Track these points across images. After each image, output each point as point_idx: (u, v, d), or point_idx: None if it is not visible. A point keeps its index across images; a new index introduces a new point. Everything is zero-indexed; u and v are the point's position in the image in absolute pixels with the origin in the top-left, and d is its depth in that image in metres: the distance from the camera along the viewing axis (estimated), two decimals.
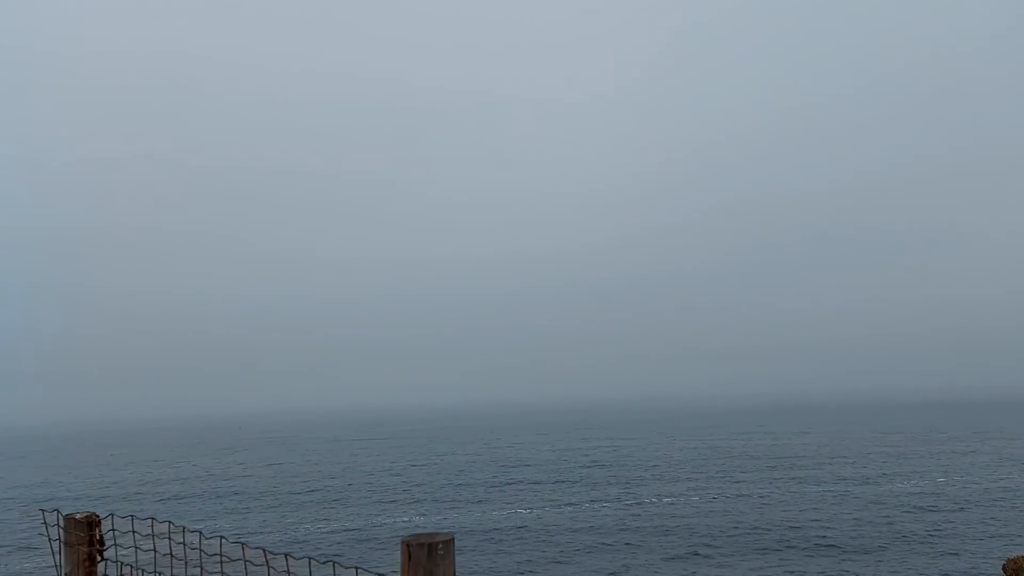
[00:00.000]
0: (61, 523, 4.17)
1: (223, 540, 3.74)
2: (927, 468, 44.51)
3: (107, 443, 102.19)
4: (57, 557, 4.19)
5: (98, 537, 4.13)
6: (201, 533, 3.92)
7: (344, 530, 29.10)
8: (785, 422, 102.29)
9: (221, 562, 3.78)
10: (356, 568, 3.03)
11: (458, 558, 2.80)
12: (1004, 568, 11.14)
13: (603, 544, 25.45)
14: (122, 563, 4.18)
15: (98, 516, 4.15)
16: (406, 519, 31.05)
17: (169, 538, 4.07)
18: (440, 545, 2.76)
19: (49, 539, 4.26)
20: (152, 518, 4.28)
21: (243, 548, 3.58)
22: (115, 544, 4.17)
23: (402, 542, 2.77)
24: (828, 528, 27.06)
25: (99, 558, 4.14)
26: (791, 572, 21.47)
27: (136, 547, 4.19)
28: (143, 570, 4.23)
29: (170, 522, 4.17)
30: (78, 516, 4.15)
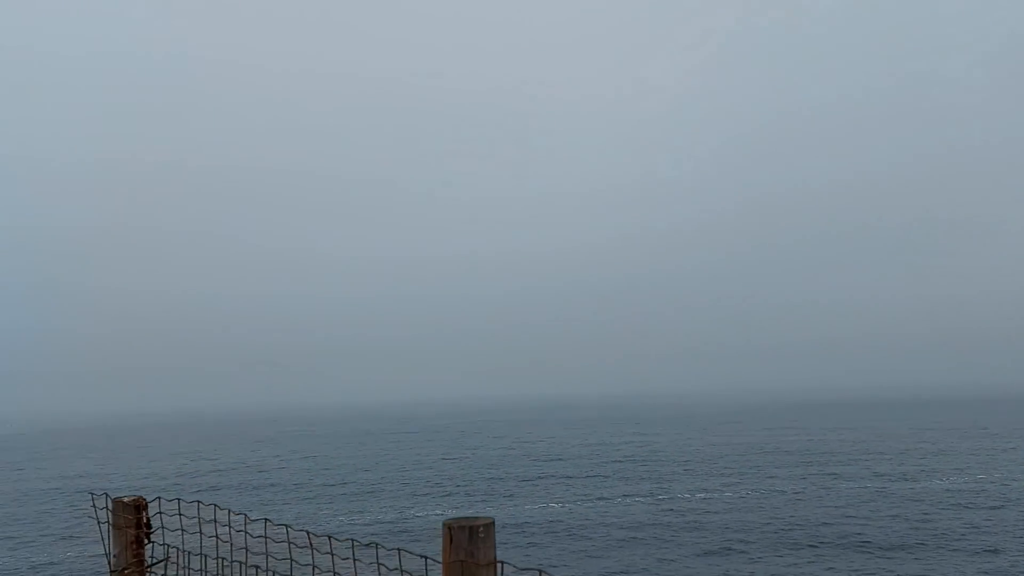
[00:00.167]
0: (110, 506, 4.28)
1: (267, 522, 3.81)
2: (967, 465, 43.74)
3: (137, 435, 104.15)
4: (105, 539, 4.30)
5: (145, 520, 4.24)
6: (246, 516, 4.00)
7: (378, 522, 29.39)
8: (814, 418, 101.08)
9: (266, 543, 3.86)
10: (399, 550, 3.08)
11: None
12: None
13: (636, 538, 25.40)
14: (168, 545, 4.28)
15: (145, 500, 4.26)
16: (439, 512, 31.25)
17: (215, 521, 4.15)
18: (481, 528, 2.81)
19: (98, 522, 4.37)
20: (198, 501, 4.38)
21: (287, 530, 3.66)
22: (162, 527, 4.27)
23: (444, 524, 2.82)
24: (865, 525, 26.73)
25: (146, 540, 4.24)
26: (828, 569, 21.24)
27: (182, 529, 4.29)
28: (189, 552, 4.33)
29: (215, 505, 4.26)
30: (126, 499, 4.25)
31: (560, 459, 52.33)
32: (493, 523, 2.85)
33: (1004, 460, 46.00)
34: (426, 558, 3.03)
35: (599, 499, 33.75)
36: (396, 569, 3.10)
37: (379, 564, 3.20)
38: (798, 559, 22.33)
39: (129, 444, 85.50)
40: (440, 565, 2.79)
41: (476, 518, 2.84)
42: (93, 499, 4.51)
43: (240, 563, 4.15)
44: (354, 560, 3.30)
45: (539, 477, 42.36)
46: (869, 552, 22.98)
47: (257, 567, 4.06)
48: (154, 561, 4.23)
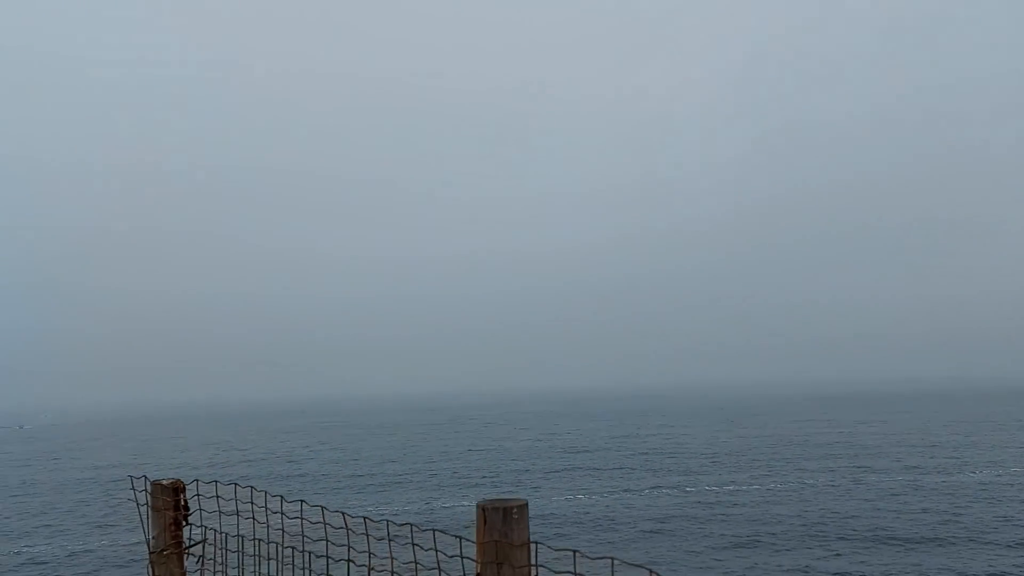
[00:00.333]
0: (148, 489, 4.36)
1: (303, 504, 3.87)
2: (1001, 459, 43.09)
3: (165, 427, 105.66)
4: (144, 521, 4.38)
5: (183, 502, 4.32)
6: (282, 498, 4.06)
7: (406, 512, 29.61)
8: (841, 411, 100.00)
9: (301, 525, 3.92)
10: (433, 530, 3.11)
11: None
12: None
13: (664, 530, 25.36)
14: (206, 527, 4.36)
15: (183, 482, 4.34)
16: (467, 503, 31.40)
17: (252, 503, 4.22)
18: (515, 509, 2.83)
19: (137, 504, 4.45)
20: (235, 483, 4.45)
21: (323, 511, 3.71)
22: (200, 509, 4.34)
23: (477, 506, 2.84)
24: (896, 518, 26.44)
25: (184, 522, 4.32)
26: (858, 562, 21.05)
27: (219, 511, 4.36)
28: (226, 534, 4.40)
29: (252, 487, 4.33)
30: (164, 482, 4.33)
31: (587, 451, 52.36)
32: (526, 505, 2.86)
33: None
34: (460, 538, 3.07)
35: (626, 491, 33.73)
36: (431, 549, 3.13)
37: (414, 545, 3.23)
38: (828, 551, 22.14)
39: (159, 435, 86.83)
40: (475, 545, 2.82)
41: (510, 500, 2.86)
42: (132, 482, 4.60)
43: (277, 544, 4.21)
44: (389, 541, 3.34)
45: (566, 469, 42.40)
46: (899, 545, 22.73)
47: (293, 548, 4.13)
48: (192, 543, 4.31)
